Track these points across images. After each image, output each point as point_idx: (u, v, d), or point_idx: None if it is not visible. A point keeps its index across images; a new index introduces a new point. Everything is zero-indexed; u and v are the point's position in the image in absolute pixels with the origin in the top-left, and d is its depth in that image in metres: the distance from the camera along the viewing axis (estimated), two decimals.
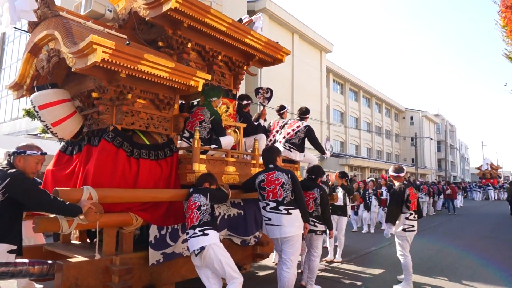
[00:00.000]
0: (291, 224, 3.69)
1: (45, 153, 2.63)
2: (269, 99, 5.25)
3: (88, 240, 4.11)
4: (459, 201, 18.78)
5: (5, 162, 2.45)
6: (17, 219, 2.47)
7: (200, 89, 3.67)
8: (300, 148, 4.99)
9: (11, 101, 20.95)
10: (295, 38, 26.50)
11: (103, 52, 2.91)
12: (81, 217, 2.75)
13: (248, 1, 24.23)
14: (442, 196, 15.60)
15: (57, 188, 2.75)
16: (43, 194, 2.51)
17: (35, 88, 3.48)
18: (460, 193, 19.90)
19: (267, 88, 5.28)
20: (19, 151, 2.46)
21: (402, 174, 4.50)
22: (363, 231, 9.43)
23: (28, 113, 10.15)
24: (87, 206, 2.69)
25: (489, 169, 30.77)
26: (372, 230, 9.53)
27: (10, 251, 2.47)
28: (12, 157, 2.45)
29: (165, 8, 3.54)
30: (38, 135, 13.37)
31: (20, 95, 3.97)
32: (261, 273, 5.05)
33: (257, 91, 5.31)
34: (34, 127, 15.40)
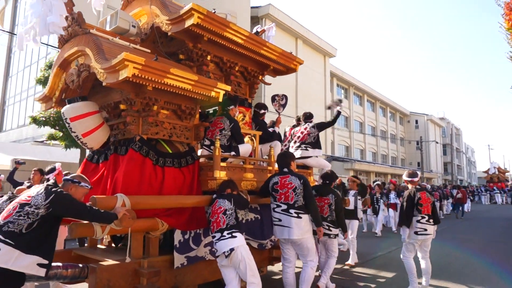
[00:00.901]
0: (300, 227, 3.90)
1: (91, 188, 2.87)
2: (284, 106, 5.48)
3: (113, 245, 4.33)
4: (467, 206, 18.86)
5: (52, 181, 2.64)
6: (52, 233, 2.57)
7: (220, 99, 3.90)
8: (316, 146, 5.20)
9: (18, 109, 21.34)
10: (298, 43, 26.82)
11: (134, 67, 3.14)
12: (116, 222, 2.96)
13: (251, 7, 24.61)
14: (450, 200, 15.71)
15: (94, 196, 2.98)
16: (82, 207, 2.69)
17: (66, 101, 3.73)
18: (469, 197, 19.97)
19: (283, 95, 5.52)
20: (74, 180, 2.69)
21: (415, 179, 4.67)
22: (377, 235, 9.60)
23: (35, 120, 10.12)
24: (122, 213, 2.90)
25: (497, 172, 30.77)
26: (379, 233, 9.68)
27: (40, 265, 2.46)
28: (65, 182, 2.65)
29: (188, 23, 3.78)
30: (44, 142, 13.63)
31: (48, 107, 4.22)
32: (277, 277, 5.24)
33: (273, 98, 5.54)
34: (40, 134, 15.70)
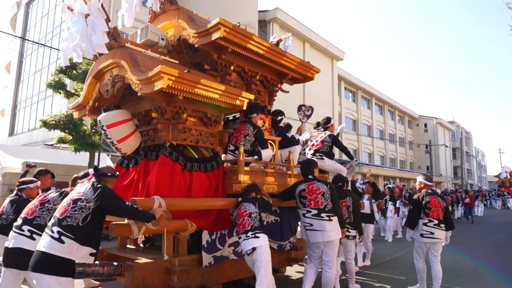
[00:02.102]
0: (333, 229, 4.14)
1: (118, 174, 3.17)
2: (309, 116, 5.77)
3: (141, 245, 4.62)
4: (479, 210, 18.95)
5: (93, 179, 2.94)
6: (100, 226, 2.88)
7: (245, 107, 4.19)
8: (330, 156, 5.47)
9: (29, 113, 21.84)
10: (306, 47, 27.15)
11: (168, 79, 3.44)
12: (153, 223, 3.25)
13: (259, 11, 24.98)
14: (461, 204, 15.88)
15: (134, 198, 3.27)
16: (124, 203, 3.00)
17: (102, 109, 4.03)
18: (481, 202, 20.04)
19: (309, 106, 5.82)
20: (108, 173, 2.98)
21: (430, 184, 4.86)
22: (387, 239, 9.79)
23: (45, 124, 10.32)
24: (159, 213, 3.18)
25: (508, 177, 30.69)
26: (390, 239, 9.87)
27: (91, 254, 2.80)
28: (102, 177, 2.94)
29: (214, 36, 4.08)
30: (54, 145, 13.96)
31: (82, 114, 4.54)
32: (294, 277, 5.49)
33: (299, 107, 5.85)
34: (50, 137, 16.08)
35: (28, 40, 21.71)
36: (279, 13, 25.16)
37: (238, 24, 4.27)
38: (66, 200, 2.79)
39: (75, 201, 2.71)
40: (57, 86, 10.76)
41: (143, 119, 4.33)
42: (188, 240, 4.21)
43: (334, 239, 4.15)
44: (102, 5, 3.73)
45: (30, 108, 21.88)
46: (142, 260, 3.69)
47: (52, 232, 2.61)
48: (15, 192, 4.14)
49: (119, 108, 4.06)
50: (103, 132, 3.99)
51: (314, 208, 4.17)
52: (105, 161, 14.76)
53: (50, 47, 18.40)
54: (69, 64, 3.86)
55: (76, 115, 4.61)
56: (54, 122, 10.23)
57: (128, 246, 4.55)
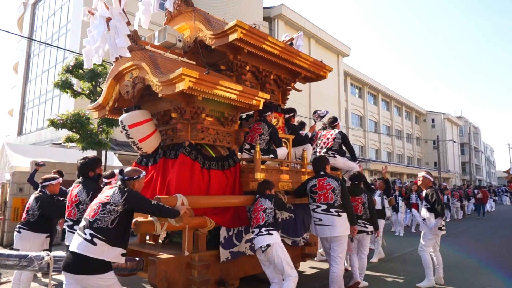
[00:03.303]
0: (341, 225, 4.28)
1: (145, 174, 3.26)
2: (322, 118, 5.97)
3: (160, 241, 4.79)
4: (490, 206, 19.03)
5: (119, 183, 3.07)
6: (129, 227, 3.02)
7: (261, 107, 4.32)
8: (342, 153, 5.61)
9: (37, 112, 22.15)
10: (311, 43, 27.18)
11: (189, 81, 3.57)
12: (177, 219, 3.40)
13: (264, 8, 25.02)
14: (472, 200, 15.93)
15: (158, 196, 3.43)
16: (150, 201, 3.13)
17: (123, 110, 4.19)
18: (492, 197, 20.12)
19: (325, 111, 6.03)
20: (134, 176, 3.06)
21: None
22: (397, 234, 9.96)
23: (53, 123, 10.34)
24: (183, 210, 3.32)
25: None
26: (401, 234, 10.04)
27: (122, 254, 2.92)
28: (127, 181, 3.02)
29: (231, 38, 4.20)
30: (62, 144, 14.16)
31: (101, 115, 4.70)
32: (308, 272, 5.64)
33: (315, 112, 6.03)
34: (58, 136, 16.32)
35: (35, 40, 21.97)
36: (284, 9, 25.19)
37: (254, 26, 4.39)
38: (96, 202, 2.92)
39: (104, 205, 2.83)
40: (64, 86, 10.87)
41: (162, 119, 4.49)
42: (207, 236, 4.38)
43: (342, 235, 4.28)
44: (123, 10, 3.87)
45: (38, 107, 22.18)
46: (164, 255, 3.85)
47: (85, 234, 2.74)
48: (39, 189, 4.32)
49: (140, 109, 4.21)
50: (124, 132, 4.14)
51: (323, 203, 4.31)
52: (112, 159, 14.95)
53: (57, 47, 18.65)
54: (92, 67, 4.00)
55: (96, 115, 4.77)
56: (61, 122, 10.30)
57: (147, 242, 4.71)
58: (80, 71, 10.84)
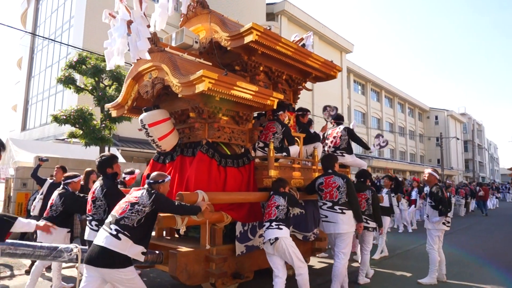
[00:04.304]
0: (344, 222, 4.46)
1: (170, 179, 3.45)
2: (333, 116, 6.12)
3: (176, 235, 5.01)
4: (492, 203, 19.30)
5: (146, 186, 3.27)
6: (152, 228, 3.24)
7: (275, 107, 4.52)
8: (350, 151, 5.82)
9: (40, 108, 22.37)
10: (314, 39, 27.03)
11: (209, 82, 3.77)
12: (198, 215, 3.61)
13: (267, 4, 25.13)
14: (474, 198, 16.23)
15: (181, 192, 3.64)
16: (174, 202, 3.34)
17: (143, 109, 4.39)
18: (495, 194, 20.38)
19: (334, 107, 6.18)
20: (159, 180, 3.28)
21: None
22: (400, 231, 10.21)
23: (56, 119, 10.57)
24: (204, 206, 3.53)
25: None
26: (410, 230, 10.31)
27: (142, 253, 3.10)
28: (153, 184, 3.24)
29: (247, 40, 4.39)
30: (66, 140, 14.33)
31: (120, 113, 4.91)
32: (317, 266, 5.87)
33: (324, 108, 6.22)
34: (61, 132, 16.50)
35: (39, 35, 22.13)
36: (287, 5, 25.31)
37: (268, 28, 4.58)
38: (124, 201, 3.14)
39: (132, 204, 3.04)
40: (67, 81, 11.02)
41: (179, 118, 4.69)
42: (223, 231, 4.60)
43: (345, 232, 4.46)
44: (144, 13, 4.06)
45: (41, 103, 22.40)
46: (184, 248, 4.07)
47: (110, 229, 2.95)
48: (62, 186, 4.54)
49: (159, 108, 4.41)
50: (144, 130, 4.35)
51: (329, 200, 4.51)
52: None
53: (60, 43, 18.83)
54: (113, 68, 4.18)
55: (114, 113, 4.97)
56: (64, 117, 10.49)
57: (164, 236, 4.93)
58: (83, 66, 10.97)
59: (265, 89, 4.49)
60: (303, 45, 5.43)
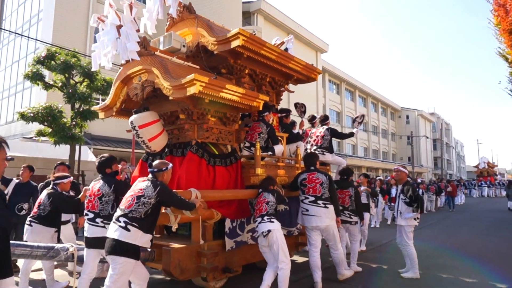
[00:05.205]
0: (327, 216, 4.83)
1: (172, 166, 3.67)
2: (304, 112, 6.52)
3: (165, 232, 5.21)
4: (460, 199, 20.49)
5: (150, 176, 3.48)
6: (157, 217, 3.46)
7: (261, 108, 4.81)
8: (331, 150, 6.22)
9: (6, 105, 21.58)
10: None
11: (200, 85, 4.01)
12: (192, 212, 3.84)
13: (243, 2, 25.34)
14: (443, 194, 17.24)
15: (176, 191, 3.86)
16: (177, 195, 3.58)
17: (133, 111, 4.55)
18: (461, 190, 21.63)
19: (302, 104, 6.58)
20: (163, 168, 3.50)
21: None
22: (371, 226, 10.81)
23: (23, 116, 10.17)
24: (198, 203, 3.78)
25: (486, 167, 32.74)
26: (378, 225, 10.91)
27: (150, 240, 3.36)
28: (157, 172, 3.46)
29: (234, 44, 4.65)
30: (33, 138, 13.85)
31: (108, 115, 5.04)
32: (299, 261, 6.22)
33: (295, 105, 6.59)
34: (29, 130, 16.02)
35: (4, 29, 21.33)
36: (263, 4, 25.62)
37: (254, 33, 4.86)
38: (130, 195, 3.34)
39: (138, 197, 3.26)
40: (35, 78, 10.60)
41: (168, 119, 4.89)
42: (213, 227, 4.84)
43: (329, 225, 4.84)
44: (134, 18, 4.24)
45: (7, 100, 21.61)
46: (176, 245, 4.29)
47: (119, 222, 3.19)
48: (51, 186, 4.63)
49: (148, 110, 4.59)
50: (134, 132, 4.51)
51: (312, 195, 4.85)
52: (87, 154, 14.87)
53: (28, 37, 18.26)
54: (98, 69, 4.30)
55: (102, 115, 5.09)
56: (32, 115, 10.10)
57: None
58: (52, 62, 10.61)
59: (252, 92, 4.77)
60: (286, 49, 5.74)
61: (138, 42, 4.32)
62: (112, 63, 4.55)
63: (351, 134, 6.54)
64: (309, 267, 4.87)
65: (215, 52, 4.90)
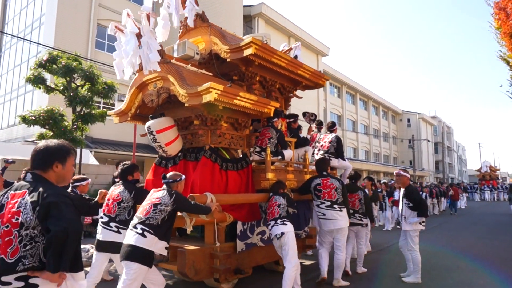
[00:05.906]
0: (343, 218, 5.06)
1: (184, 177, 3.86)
2: (313, 120, 6.75)
3: (177, 234, 5.39)
4: (462, 203, 20.68)
5: (165, 186, 3.65)
6: (172, 224, 3.62)
7: (271, 115, 5.01)
8: (336, 155, 6.43)
9: (8, 108, 21.77)
10: (291, 42, 28.07)
11: (216, 93, 4.21)
12: (208, 215, 4.02)
13: (244, 6, 25.61)
14: (446, 197, 17.46)
15: (192, 195, 4.05)
16: (191, 202, 3.76)
17: (150, 117, 4.75)
18: (464, 194, 21.82)
19: (312, 113, 6.85)
20: (177, 179, 3.70)
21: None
22: (384, 229, 11.01)
23: (24, 120, 10.36)
24: (214, 207, 3.97)
25: (488, 171, 33.01)
26: (389, 229, 11.13)
27: (166, 248, 3.50)
28: (171, 183, 3.65)
29: (246, 53, 4.85)
30: (35, 141, 13.94)
31: (123, 120, 5.24)
32: (307, 263, 6.40)
33: (304, 114, 6.82)
34: (30, 133, 16.16)
35: (7, 33, 21.56)
36: (264, 8, 25.89)
37: (265, 41, 5.07)
38: (147, 203, 3.52)
39: (155, 205, 3.45)
40: (37, 81, 10.79)
41: (182, 124, 5.09)
42: (224, 230, 5.03)
43: (344, 227, 5.08)
44: (152, 28, 4.44)
45: (9, 103, 21.80)
46: (190, 247, 4.47)
47: (136, 228, 3.36)
48: (70, 188, 4.81)
49: (164, 116, 4.79)
50: (152, 137, 4.71)
51: (327, 200, 5.06)
52: (88, 157, 15.05)
53: (30, 41, 18.46)
54: (123, 77, 4.48)
55: (116, 120, 5.29)
56: (33, 118, 10.28)
57: None
58: (54, 66, 10.75)
59: (263, 99, 4.97)
60: (296, 56, 5.95)
61: (158, 51, 4.52)
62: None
63: (343, 159, 6.62)
64: (318, 263, 5.09)
65: (228, 60, 5.10)
